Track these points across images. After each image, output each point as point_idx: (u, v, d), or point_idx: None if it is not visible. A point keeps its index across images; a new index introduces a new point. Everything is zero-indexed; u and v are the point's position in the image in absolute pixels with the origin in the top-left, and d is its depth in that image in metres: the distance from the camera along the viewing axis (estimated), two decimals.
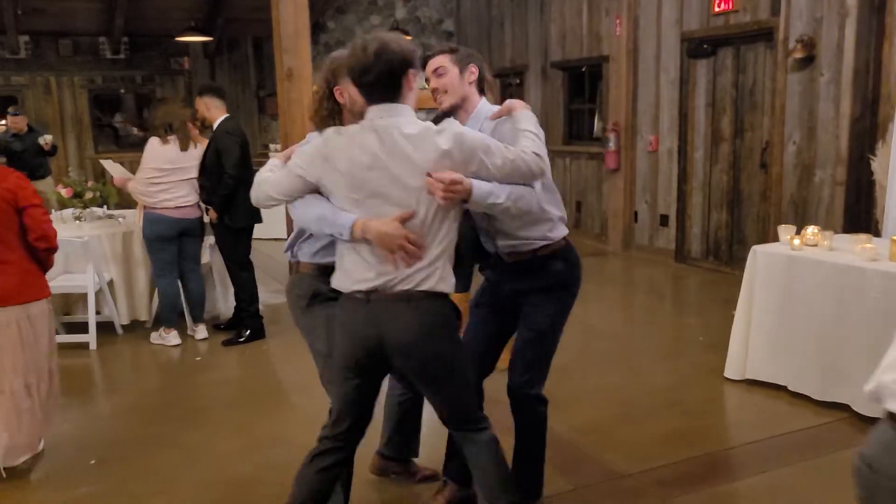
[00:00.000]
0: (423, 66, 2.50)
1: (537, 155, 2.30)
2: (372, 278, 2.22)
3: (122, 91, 10.77)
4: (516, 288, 2.66)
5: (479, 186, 2.19)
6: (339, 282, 2.31)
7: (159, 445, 3.64)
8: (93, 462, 3.48)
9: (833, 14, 5.82)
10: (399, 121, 2.15)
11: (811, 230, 4.14)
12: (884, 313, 3.54)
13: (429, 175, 2.12)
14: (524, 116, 2.45)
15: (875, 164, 5.10)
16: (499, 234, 2.59)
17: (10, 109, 7.93)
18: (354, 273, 2.25)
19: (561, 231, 2.64)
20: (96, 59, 10.25)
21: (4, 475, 3.29)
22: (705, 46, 6.98)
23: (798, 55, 6.00)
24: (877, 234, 4.98)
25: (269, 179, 2.35)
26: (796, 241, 4.08)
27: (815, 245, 4.08)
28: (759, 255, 4.19)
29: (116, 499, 3.16)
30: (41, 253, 3.29)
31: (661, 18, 7.40)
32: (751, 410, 3.96)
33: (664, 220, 7.65)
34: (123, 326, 5.46)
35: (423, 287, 2.21)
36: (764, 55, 6.50)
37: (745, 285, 4.25)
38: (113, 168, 5.66)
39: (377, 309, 2.23)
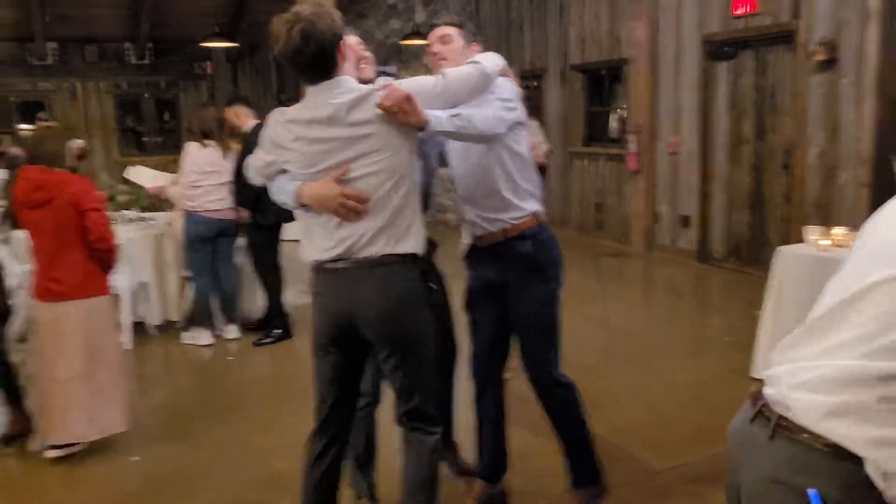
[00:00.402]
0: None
1: (475, 63, 2.33)
2: (332, 246, 2.22)
3: (146, 96, 10.93)
4: (495, 278, 2.71)
5: (434, 116, 2.20)
6: (306, 253, 2.32)
7: (197, 443, 3.74)
8: (136, 459, 3.59)
9: (855, 17, 5.85)
10: (336, 93, 2.16)
11: (839, 231, 4.19)
12: None
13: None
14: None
15: None
16: (470, 206, 2.68)
17: (40, 115, 8.10)
18: (318, 242, 2.26)
19: (531, 206, 2.64)
20: (121, 64, 10.43)
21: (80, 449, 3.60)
22: (726, 49, 7.02)
23: (819, 57, 6.03)
24: None
25: (250, 163, 2.48)
26: (824, 242, 4.13)
27: (843, 246, 4.12)
28: (784, 256, 4.24)
29: (162, 494, 3.26)
30: (100, 253, 3.49)
31: (681, 21, 7.45)
32: None
33: (686, 220, 7.69)
34: (157, 327, 5.58)
35: (386, 250, 2.19)
36: (785, 58, 6.54)
37: (771, 285, 4.30)
38: (139, 175, 5.77)
39: (344, 280, 2.23)
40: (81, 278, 3.43)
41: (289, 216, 5.26)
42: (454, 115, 2.25)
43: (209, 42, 9.27)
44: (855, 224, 5.76)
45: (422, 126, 2.18)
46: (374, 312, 2.23)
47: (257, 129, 5.13)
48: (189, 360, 5.06)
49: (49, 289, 3.42)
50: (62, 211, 3.35)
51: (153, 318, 5.55)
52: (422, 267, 2.32)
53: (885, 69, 5.74)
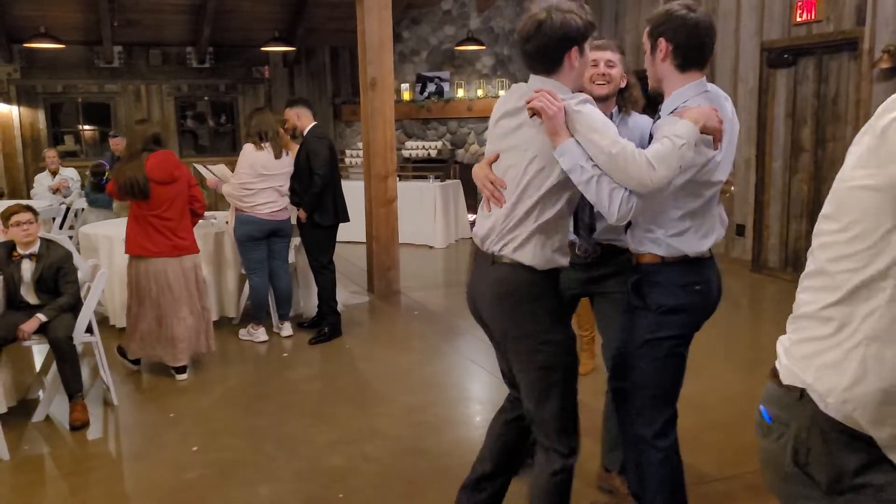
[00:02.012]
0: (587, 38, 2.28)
1: (651, 164, 2.06)
2: (479, 232, 2.37)
3: (206, 98, 11.22)
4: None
5: (570, 146, 2.11)
6: None
7: (258, 436, 3.84)
8: (195, 449, 3.70)
9: None
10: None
11: None
12: None
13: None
14: (682, 122, 2.18)
15: None
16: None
17: (112, 133, 8.40)
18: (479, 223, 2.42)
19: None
20: (183, 67, 10.73)
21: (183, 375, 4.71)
22: (786, 56, 6.92)
23: (884, 65, 5.91)
24: None
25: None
26: None
27: None
28: None
29: (222, 485, 3.35)
30: (197, 218, 4.85)
31: (740, 28, 7.37)
32: None
33: (740, 229, 7.58)
34: (213, 322, 5.71)
35: (506, 251, 2.24)
36: (848, 65, 6.41)
37: None
38: (208, 171, 5.94)
39: (477, 263, 2.37)
40: (193, 237, 4.73)
41: (346, 216, 5.45)
42: (593, 164, 2.12)
43: (268, 47, 9.48)
44: None
45: (554, 143, 2.14)
46: (482, 301, 2.38)
47: (316, 130, 5.30)
48: (246, 356, 5.19)
49: (177, 245, 4.57)
50: (185, 186, 4.59)
51: (211, 314, 5.68)
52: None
53: None
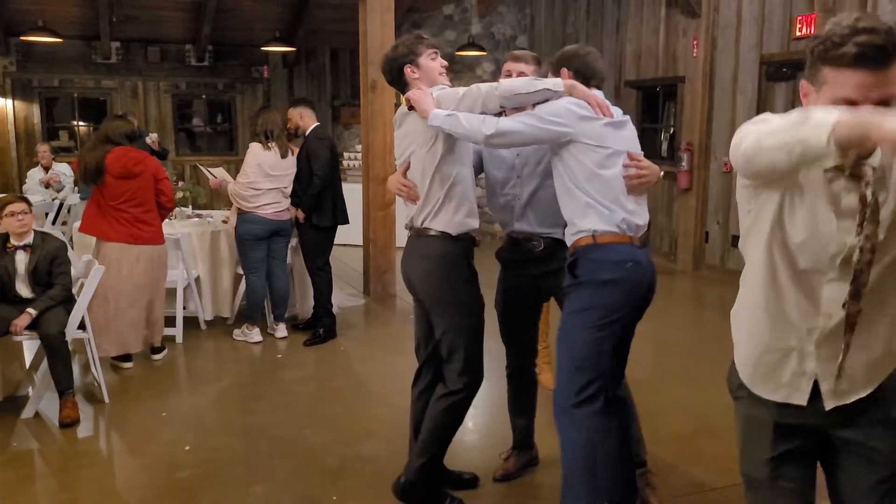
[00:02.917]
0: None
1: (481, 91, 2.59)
2: (407, 221, 2.91)
3: (203, 97, 11.18)
4: None
5: (435, 112, 2.63)
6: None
7: (252, 436, 3.80)
8: (188, 448, 3.65)
9: None
10: None
11: None
12: None
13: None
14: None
15: None
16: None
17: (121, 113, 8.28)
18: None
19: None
20: (181, 65, 10.67)
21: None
22: (785, 70, 6.95)
23: None
24: None
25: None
26: None
27: None
28: None
29: (215, 484, 3.32)
30: (165, 212, 4.89)
31: (739, 40, 7.39)
32: None
33: (736, 241, 7.56)
34: (207, 322, 5.68)
35: (425, 223, 2.78)
36: None
37: None
38: (213, 171, 5.90)
39: (407, 244, 2.93)
40: (158, 228, 4.76)
41: (345, 218, 5.43)
42: (448, 114, 2.60)
43: (268, 46, 9.45)
44: None
45: (425, 117, 2.64)
46: (407, 269, 2.96)
47: (318, 131, 5.28)
48: (240, 356, 5.14)
49: (135, 235, 4.62)
50: (147, 182, 4.64)
51: (205, 314, 5.66)
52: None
53: None
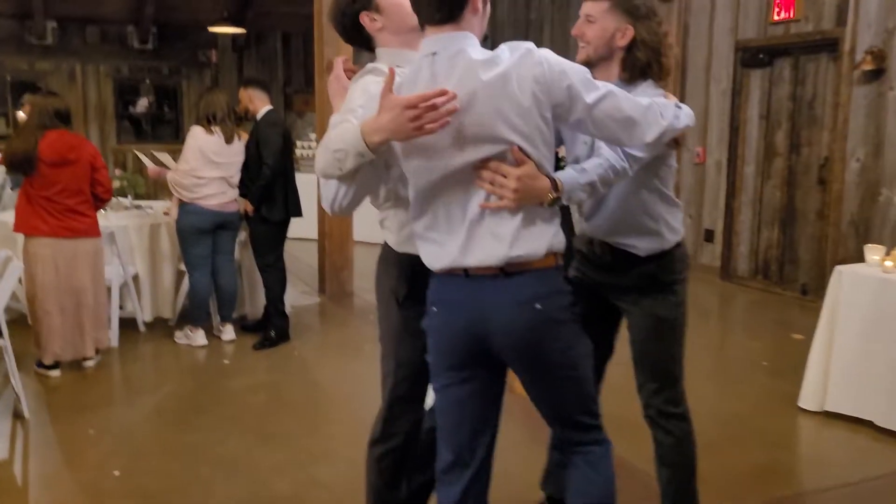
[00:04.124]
0: None
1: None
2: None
3: (147, 82, 10.53)
4: None
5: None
6: None
7: (191, 457, 3.34)
8: (117, 473, 3.18)
9: None
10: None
11: None
12: None
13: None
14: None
15: None
16: None
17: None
18: None
19: None
20: (123, 48, 10.03)
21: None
22: (761, 56, 6.67)
23: (867, 67, 5.69)
24: None
25: None
26: (889, 263, 3.76)
27: None
28: (844, 277, 3.86)
29: None
30: (101, 203, 4.40)
31: (713, 26, 7.10)
32: (837, 447, 3.62)
33: (709, 235, 7.33)
34: (146, 324, 5.17)
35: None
36: (826, 67, 6.19)
37: (827, 308, 3.92)
38: (148, 159, 5.40)
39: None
40: (93, 220, 4.33)
41: (298, 211, 4.97)
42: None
43: (216, 27, 8.89)
44: None
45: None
46: None
47: (270, 115, 4.81)
48: (182, 363, 4.65)
49: (70, 227, 4.17)
50: (84, 169, 4.20)
51: (143, 315, 5.14)
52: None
53: None
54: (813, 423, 3.86)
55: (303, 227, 6.02)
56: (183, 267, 5.05)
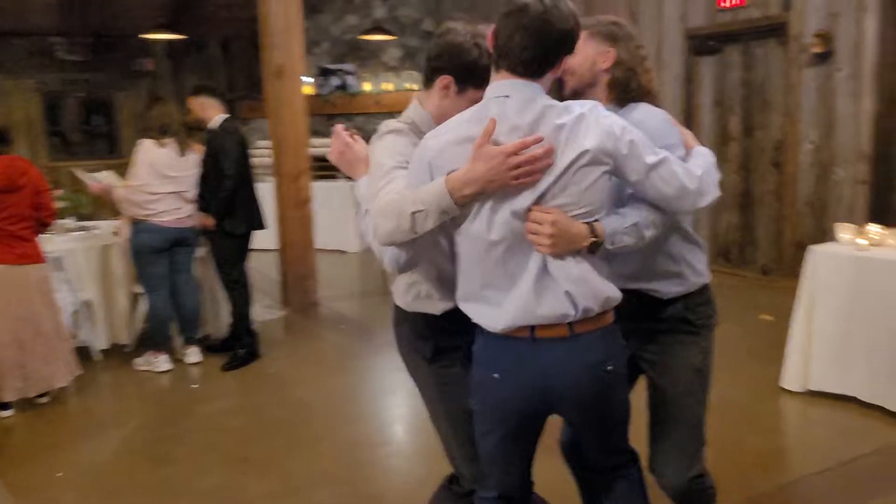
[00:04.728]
0: None
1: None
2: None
3: (79, 95, 10.05)
4: None
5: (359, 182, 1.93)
6: None
7: (171, 492, 3.14)
8: None
9: (850, 8, 5.62)
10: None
11: (875, 229, 3.87)
12: None
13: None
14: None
15: None
16: None
17: None
18: None
19: None
20: (52, 60, 9.55)
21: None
22: (711, 43, 6.74)
23: (814, 50, 5.78)
24: None
25: None
26: (862, 241, 3.80)
27: (881, 244, 3.80)
28: (818, 257, 3.89)
29: None
30: (44, 228, 4.15)
31: (662, 14, 7.14)
32: (827, 426, 3.64)
33: None
34: (102, 352, 4.89)
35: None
36: (775, 51, 6.28)
37: (804, 290, 3.94)
38: (90, 176, 5.10)
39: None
40: (37, 245, 4.06)
41: (262, 223, 4.77)
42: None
43: (152, 34, 8.53)
44: (853, 222, 5.55)
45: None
46: None
47: (226, 124, 4.60)
48: (147, 391, 4.40)
49: (23, 254, 3.94)
50: (30, 194, 3.97)
51: (99, 342, 4.86)
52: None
53: (883, 61, 5.52)
54: (799, 403, 3.88)
55: (259, 237, 5.79)
56: (138, 289, 4.80)
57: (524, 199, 1.68)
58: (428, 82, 1.94)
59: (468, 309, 1.81)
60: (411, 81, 9.73)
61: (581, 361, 1.74)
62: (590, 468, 2.07)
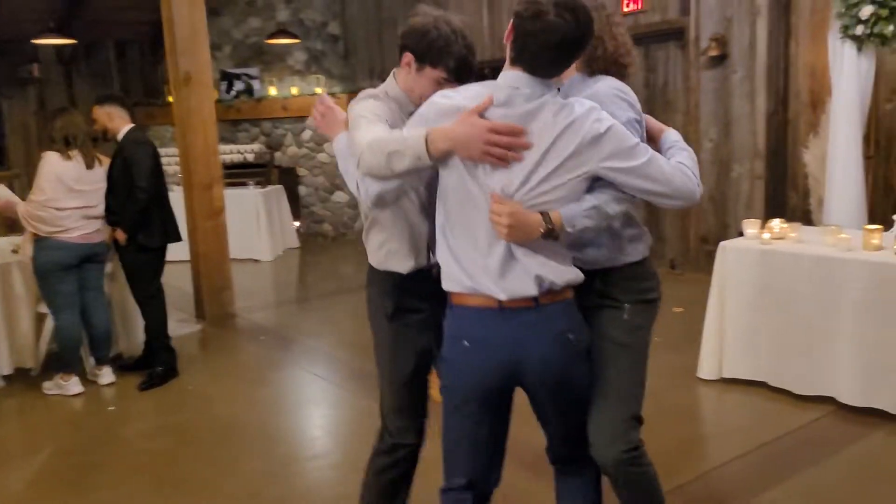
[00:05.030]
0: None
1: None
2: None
3: None
4: None
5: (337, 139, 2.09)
6: None
7: None
8: None
9: (743, 13, 5.95)
10: None
11: (777, 223, 4.11)
12: (869, 302, 3.53)
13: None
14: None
15: (808, 157, 5.22)
16: None
17: None
18: None
19: None
20: None
21: None
22: None
23: (713, 53, 6.09)
24: (807, 223, 5.08)
25: None
26: (766, 235, 4.03)
27: (783, 238, 4.05)
28: (728, 253, 4.10)
29: None
30: None
31: None
32: (742, 411, 3.84)
33: None
34: (5, 377, 4.60)
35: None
36: (675, 54, 6.57)
37: (715, 283, 4.15)
38: None
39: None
40: None
41: (177, 235, 4.62)
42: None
43: (41, 39, 8.09)
44: (751, 216, 5.88)
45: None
46: None
47: (134, 134, 4.43)
48: (59, 416, 4.17)
49: None
50: None
51: (2, 367, 4.57)
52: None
53: (774, 63, 5.87)
54: (714, 391, 4.08)
55: (169, 249, 5.61)
56: (42, 309, 4.55)
57: (502, 182, 1.79)
58: (400, 59, 2.11)
59: (441, 259, 1.91)
60: (318, 85, 9.61)
61: (547, 329, 1.84)
62: (554, 462, 2.15)
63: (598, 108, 1.81)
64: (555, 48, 1.73)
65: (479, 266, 1.83)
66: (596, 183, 1.86)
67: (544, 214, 1.78)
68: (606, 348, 2.08)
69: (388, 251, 2.13)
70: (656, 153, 1.88)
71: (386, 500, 2.30)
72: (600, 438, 2.06)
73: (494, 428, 1.97)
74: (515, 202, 1.78)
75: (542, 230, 1.78)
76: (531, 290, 1.81)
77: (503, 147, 1.75)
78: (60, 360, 4.45)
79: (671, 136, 2.09)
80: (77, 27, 8.91)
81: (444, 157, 1.80)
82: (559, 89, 1.91)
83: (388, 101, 2.06)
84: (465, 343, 1.86)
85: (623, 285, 2.11)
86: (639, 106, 2.05)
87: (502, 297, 1.81)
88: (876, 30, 4.46)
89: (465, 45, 2.04)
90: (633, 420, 2.11)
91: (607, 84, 2.01)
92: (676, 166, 1.90)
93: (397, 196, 1.98)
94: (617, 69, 2.08)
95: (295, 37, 9.09)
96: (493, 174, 1.79)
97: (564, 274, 1.86)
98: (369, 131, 1.88)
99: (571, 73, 2.06)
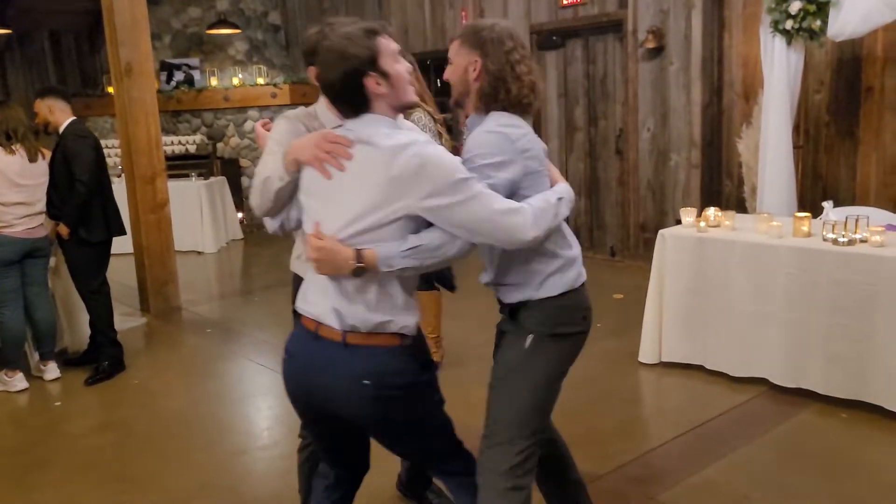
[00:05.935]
0: None
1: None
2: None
3: None
4: None
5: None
6: None
7: None
8: None
9: (679, 6, 6.13)
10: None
11: (713, 212, 4.28)
12: (798, 287, 3.71)
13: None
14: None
15: (742, 146, 5.42)
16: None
17: None
18: None
19: None
20: None
21: None
22: (554, 38, 7.11)
23: (649, 45, 6.25)
24: (742, 211, 5.30)
25: None
26: (702, 224, 4.20)
27: (718, 226, 4.22)
28: (667, 240, 4.25)
29: None
30: None
31: (508, 11, 7.43)
32: (680, 393, 4.01)
33: None
34: None
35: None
36: (613, 46, 6.73)
37: (655, 270, 4.30)
38: None
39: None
40: None
41: (121, 229, 4.56)
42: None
43: None
44: (687, 204, 6.09)
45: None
46: None
47: (75, 127, 4.36)
48: (3, 412, 4.10)
49: None
50: None
51: None
52: None
53: (708, 55, 6.07)
54: (654, 375, 4.24)
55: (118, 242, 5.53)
56: None
57: (326, 218, 1.85)
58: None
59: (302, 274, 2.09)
60: (260, 76, 9.52)
61: (344, 369, 1.81)
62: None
63: (420, 141, 1.76)
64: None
65: (313, 288, 1.91)
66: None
67: (358, 252, 1.76)
68: (497, 370, 2.15)
69: (297, 256, 2.33)
70: (485, 189, 1.79)
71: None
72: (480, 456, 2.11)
73: (327, 439, 2.09)
74: (331, 237, 1.79)
75: (351, 268, 1.76)
76: (333, 323, 1.82)
77: (327, 151, 1.80)
78: (4, 357, 4.38)
79: (557, 188, 2.07)
80: (10, 16, 8.63)
81: (295, 174, 1.90)
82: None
83: (296, 122, 2.10)
84: (285, 355, 1.97)
85: (535, 317, 2.08)
86: (525, 141, 2.02)
87: (317, 319, 1.86)
88: (804, 25, 4.65)
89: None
90: (508, 445, 2.06)
91: (490, 125, 2.00)
92: (513, 203, 1.84)
93: (298, 224, 2.04)
94: (520, 110, 2.05)
95: (235, 27, 8.98)
96: (321, 210, 1.85)
97: (371, 319, 1.80)
98: (261, 170, 1.99)
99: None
